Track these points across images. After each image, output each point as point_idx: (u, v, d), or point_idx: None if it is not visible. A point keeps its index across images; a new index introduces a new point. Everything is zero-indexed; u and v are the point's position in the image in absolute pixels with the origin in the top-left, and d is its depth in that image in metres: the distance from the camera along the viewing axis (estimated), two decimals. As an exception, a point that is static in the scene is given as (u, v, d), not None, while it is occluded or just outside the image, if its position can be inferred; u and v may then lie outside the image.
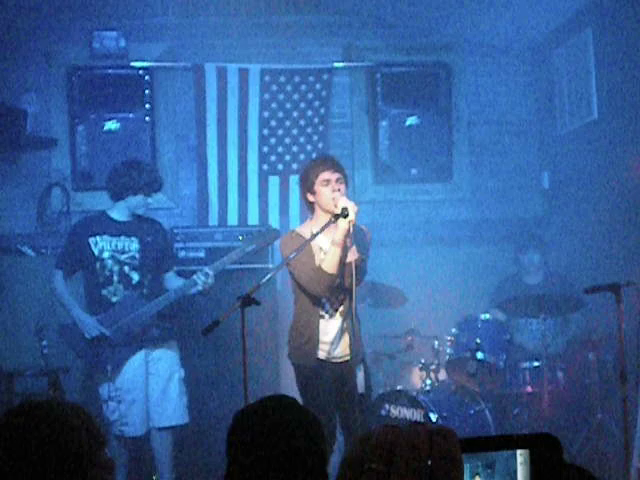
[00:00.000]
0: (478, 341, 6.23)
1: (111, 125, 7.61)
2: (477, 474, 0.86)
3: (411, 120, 8.04)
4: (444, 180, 8.02)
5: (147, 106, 7.64)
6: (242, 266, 6.40)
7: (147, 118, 7.64)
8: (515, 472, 0.87)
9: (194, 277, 5.78)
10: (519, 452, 0.87)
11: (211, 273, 5.76)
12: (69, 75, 7.51)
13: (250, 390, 4.56)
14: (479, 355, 6.22)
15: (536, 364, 6.42)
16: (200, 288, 5.79)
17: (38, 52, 7.39)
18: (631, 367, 5.14)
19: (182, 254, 6.69)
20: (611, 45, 6.76)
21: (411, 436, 0.80)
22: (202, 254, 6.58)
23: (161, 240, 6.06)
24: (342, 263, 4.93)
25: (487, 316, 6.49)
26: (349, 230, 4.80)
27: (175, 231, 6.81)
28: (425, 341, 6.63)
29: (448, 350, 6.48)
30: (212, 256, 6.34)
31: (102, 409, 5.69)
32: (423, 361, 6.47)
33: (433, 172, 8.03)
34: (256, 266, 6.44)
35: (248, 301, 4.54)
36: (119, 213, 5.95)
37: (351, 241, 4.90)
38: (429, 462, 0.79)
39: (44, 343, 6.04)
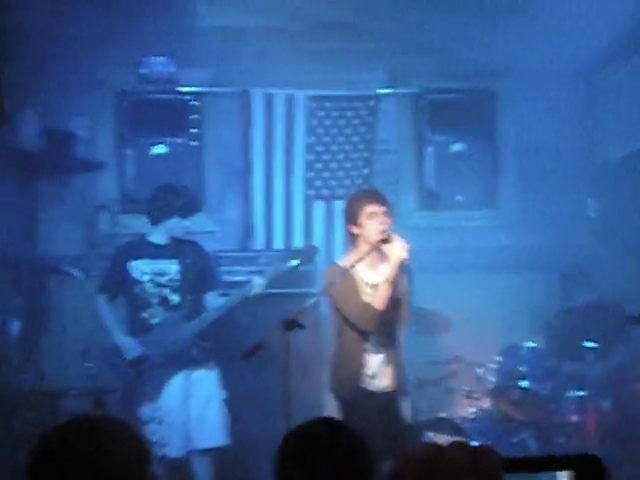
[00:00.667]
0: (522, 369, 6.18)
1: (158, 149, 7.70)
2: None
3: (457, 147, 8.04)
4: (489, 207, 8.00)
5: (194, 131, 7.72)
6: (286, 290, 6.41)
7: (194, 142, 7.72)
8: None
9: (234, 293, 5.83)
10: (562, 473, 0.86)
11: (259, 281, 5.82)
12: (118, 100, 7.62)
13: (292, 413, 4.55)
14: (523, 383, 6.17)
15: (581, 393, 6.33)
16: (257, 290, 5.84)
17: (88, 77, 7.48)
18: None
19: (226, 278, 6.71)
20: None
21: (453, 453, 0.80)
22: (245, 277, 6.59)
23: (201, 261, 6.10)
24: (391, 298, 4.93)
25: (532, 344, 6.43)
26: (400, 267, 4.81)
27: (219, 254, 6.84)
28: (469, 368, 6.59)
29: (492, 378, 6.43)
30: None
31: (143, 431, 5.71)
32: (467, 389, 6.43)
33: (478, 199, 8.02)
34: (300, 290, 6.44)
35: (292, 325, 4.55)
36: (158, 237, 6.02)
37: (401, 276, 4.90)
38: (470, 480, 0.79)
39: (90, 364, 6.08)
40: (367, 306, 4.91)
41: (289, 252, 6.11)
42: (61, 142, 7.06)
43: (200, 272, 6.05)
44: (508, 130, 7.97)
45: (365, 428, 4.94)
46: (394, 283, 4.86)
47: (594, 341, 6.45)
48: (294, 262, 5.83)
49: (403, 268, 4.95)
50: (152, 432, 5.71)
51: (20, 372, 6.81)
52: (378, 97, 7.77)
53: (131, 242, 6.21)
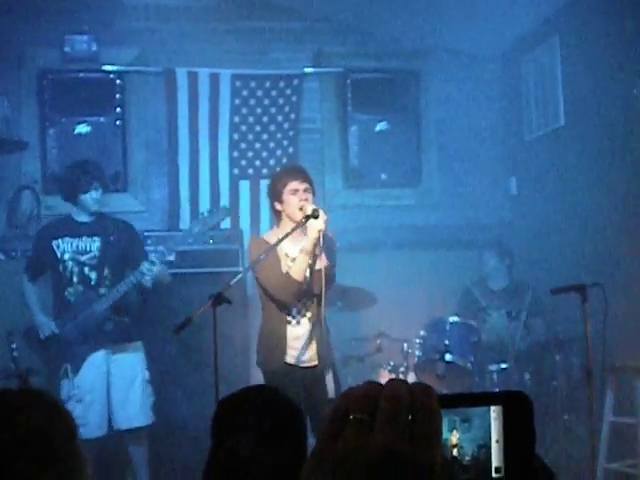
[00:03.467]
0: (447, 343, 6.29)
1: (82, 129, 7.61)
2: (454, 428, 0.91)
3: (380, 126, 8.12)
4: (413, 185, 8.10)
5: (118, 110, 7.65)
6: (212, 269, 6.43)
7: (118, 122, 7.65)
8: (489, 426, 0.92)
9: (140, 266, 5.79)
10: (493, 408, 0.92)
11: (156, 261, 5.77)
12: (40, 78, 7.50)
13: (221, 391, 4.58)
14: (447, 357, 6.27)
15: (504, 366, 6.48)
16: (148, 277, 5.79)
17: (9, 55, 7.37)
18: (597, 368, 5.23)
19: (152, 257, 6.67)
20: (578, 52, 6.86)
21: (393, 389, 0.84)
22: (172, 257, 6.57)
23: (126, 239, 6.07)
24: (311, 270, 4.99)
25: (455, 318, 6.54)
26: (319, 238, 4.86)
27: (146, 234, 6.80)
28: (394, 344, 6.67)
29: (417, 352, 6.52)
30: (183, 259, 6.35)
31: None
32: (392, 363, 6.51)
33: (402, 177, 8.11)
34: (226, 269, 6.45)
35: (220, 300, 4.57)
36: (79, 214, 6.00)
37: (320, 249, 4.95)
38: (410, 415, 0.83)
39: (13, 346, 6.02)
40: (285, 276, 4.98)
41: (197, 220, 6.05)
42: (-19, 122, 6.94)
43: (124, 250, 6.02)
44: (431, 109, 8.07)
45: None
46: (312, 254, 4.92)
47: (513, 315, 6.61)
48: (195, 229, 5.81)
49: (325, 240, 4.99)
50: (70, 410, 5.66)
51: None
52: (302, 76, 7.81)
53: (55, 220, 6.19)
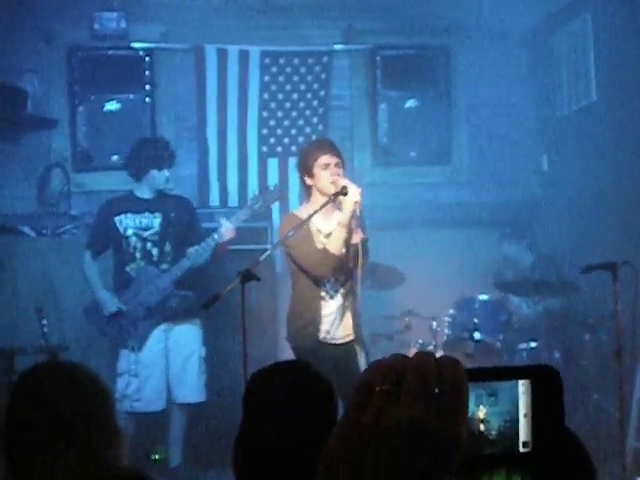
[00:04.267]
0: (476, 321, 6.28)
1: (111, 106, 7.64)
2: (481, 402, 0.90)
3: (410, 103, 8.08)
4: (443, 163, 8.07)
5: (147, 87, 7.67)
6: (241, 247, 6.43)
7: (147, 99, 7.67)
8: (517, 401, 0.91)
9: (206, 240, 5.84)
10: (521, 382, 0.91)
11: (222, 227, 5.82)
12: (69, 56, 7.53)
13: (249, 369, 4.59)
14: (476, 335, 6.27)
15: (533, 345, 6.46)
16: (208, 254, 5.84)
17: (38, 32, 7.40)
18: (627, 347, 5.19)
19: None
20: (609, 28, 6.79)
21: (420, 362, 0.83)
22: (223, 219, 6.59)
23: (186, 216, 6.11)
24: (347, 244, 4.98)
25: (485, 297, 6.53)
26: (355, 211, 4.84)
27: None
28: (423, 322, 6.68)
29: (446, 331, 6.53)
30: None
31: (116, 383, 5.73)
32: (421, 342, 6.52)
33: (432, 155, 8.08)
34: (255, 247, 6.45)
35: (248, 276, 4.58)
36: (142, 191, 6.03)
37: (357, 222, 4.94)
38: (437, 389, 0.83)
39: (44, 322, 6.06)
40: (321, 251, 4.96)
41: (260, 195, 6.08)
42: (12, 99, 6.97)
43: (184, 226, 6.05)
44: (461, 86, 8.02)
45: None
46: (349, 228, 4.90)
47: (546, 294, 6.58)
48: (256, 205, 5.85)
49: (358, 215, 4.98)
50: (126, 384, 5.75)
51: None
52: (331, 53, 7.78)
53: (117, 197, 6.18)
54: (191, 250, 5.97)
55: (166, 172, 5.98)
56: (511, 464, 0.91)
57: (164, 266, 5.95)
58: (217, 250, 5.91)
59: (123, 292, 5.91)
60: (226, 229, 5.83)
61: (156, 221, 5.98)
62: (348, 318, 5.16)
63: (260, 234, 6.70)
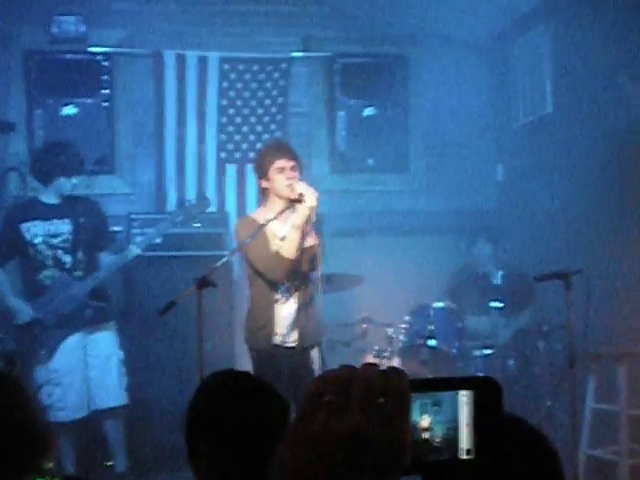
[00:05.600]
0: (431, 328, 6.32)
1: (69, 110, 7.59)
2: (425, 411, 0.93)
3: (368, 111, 8.12)
4: (400, 171, 8.11)
5: (105, 92, 7.62)
6: (198, 253, 6.43)
7: (105, 104, 7.63)
8: (459, 410, 0.94)
9: (125, 251, 5.82)
10: (463, 392, 0.94)
11: (135, 250, 5.83)
12: (27, 59, 7.47)
13: (205, 374, 4.59)
14: (431, 342, 6.31)
15: (487, 352, 6.52)
16: (129, 257, 5.84)
17: (-4, 36, 7.35)
18: (579, 355, 5.26)
19: (139, 239, 6.67)
20: (567, 39, 6.87)
21: (366, 373, 0.86)
22: (159, 240, 6.57)
23: (95, 219, 6.01)
24: (301, 248, 5.00)
25: (440, 304, 6.57)
26: (310, 215, 4.86)
27: (132, 217, 6.81)
28: (379, 329, 6.70)
29: (402, 338, 6.56)
30: (169, 242, 6.34)
31: (38, 394, 5.60)
32: (377, 348, 6.54)
33: (389, 163, 8.12)
34: (212, 253, 6.44)
35: (205, 283, 4.58)
36: (49, 197, 5.91)
37: (310, 226, 4.96)
38: (382, 399, 0.85)
39: (-2, 328, 6.01)
40: (275, 254, 4.97)
41: (181, 209, 6.09)
42: (-32, 101, 6.91)
43: (94, 230, 5.96)
44: (419, 95, 8.07)
45: (276, 380, 5.01)
46: (302, 232, 4.92)
47: (500, 301, 6.65)
48: (178, 219, 5.87)
49: (314, 219, 5.00)
50: (47, 395, 5.64)
51: None
52: (290, 60, 7.80)
53: (22, 203, 6.07)
54: (107, 261, 5.92)
55: (74, 179, 5.87)
56: (454, 470, 0.94)
57: (78, 273, 5.87)
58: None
59: (36, 300, 5.80)
60: (130, 253, 5.82)
61: (65, 227, 5.87)
62: (304, 323, 5.18)
63: (216, 240, 6.70)
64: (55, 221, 5.87)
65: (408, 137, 8.11)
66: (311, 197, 4.81)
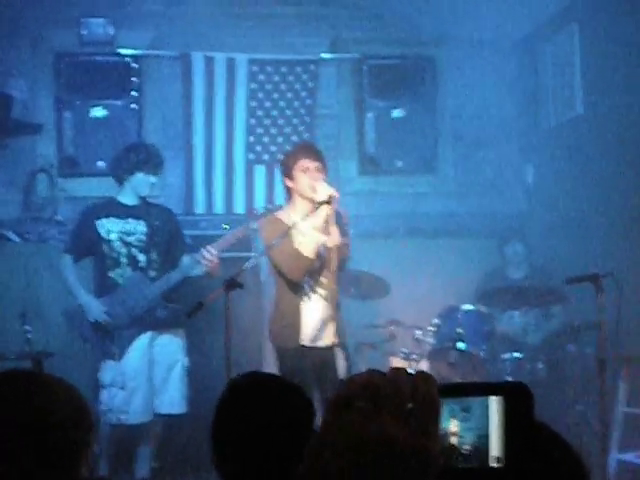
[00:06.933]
0: (459, 331, 6.28)
1: (97, 112, 7.61)
2: (454, 417, 0.90)
3: (397, 112, 8.08)
4: (429, 173, 8.07)
5: (134, 93, 7.64)
6: (225, 254, 6.42)
7: (134, 105, 7.65)
8: (489, 417, 0.91)
9: (196, 255, 5.75)
10: (493, 398, 0.92)
11: (213, 251, 5.71)
12: (56, 61, 7.51)
13: (232, 372, 4.57)
14: (460, 345, 6.27)
15: (517, 355, 6.47)
16: (203, 267, 5.75)
17: (25, 37, 7.39)
18: (610, 358, 5.20)
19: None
20: (597, 40, 6.81)
21: (395, 378, 0.84)
22: (188, 241, 6.58)
23: (170, 225, 6.05)
24: (324, 248, 5.00)
25: (469, 307, 6.53)
26: (329, 215, 4.87)
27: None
28: (407, 331, 6.68)
29: (430, 340, 6.52)
30: (197, 244, 6.34)
31: (101, 394, 5.64)
32: (405, 351, 6.51)
33: (418, 165, 8.07)
34: (240, 254, 6.44)
35: (232, 284, 4.58)
36: (126, 197, 5.96)
37: (332, 226, 4.96)
38: (410, 404, 0.83)
39: (27, 328, 6.03)
40: (296, 253, 4.98)
41: (251, 214, 6.07)
42: (-2, 104, 6.96)
43: (169, 235, 5.99)
44: (448, 96, 8.03)
45: (301, 379, 5.00)
46: (323, 232, 4.93)
47: (530, 304, 6.60)
48: (254, 225, 5.79)
49: (337, 218, 5.01)
50: (112, 397, 5.63)
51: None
52: (319, 62, 7.79)
53: (100, 202, 6.09)
54: (183, 262, 5.90)
55: (152, 178, 5.93)
56: (483, 478, 0.91)
57: (152, 273, 5.88)
58: (210, 272, 5.83)
59: (107, 298, 5.81)
60: (210, 256, 5.75)
61: (140, 228, 5.90)
62: (330, 323, 5.17)
63: (244, 242, 6.68)
64: (131, 220, 5.91)
65: (437, 139, 8.07)
66: (324, 194, 4.84)
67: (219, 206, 7.54)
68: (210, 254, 5.70)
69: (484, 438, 0.91)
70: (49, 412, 2.06)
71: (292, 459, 2.24)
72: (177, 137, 7.64)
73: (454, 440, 0.90)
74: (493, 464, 0.91)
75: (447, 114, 8.06)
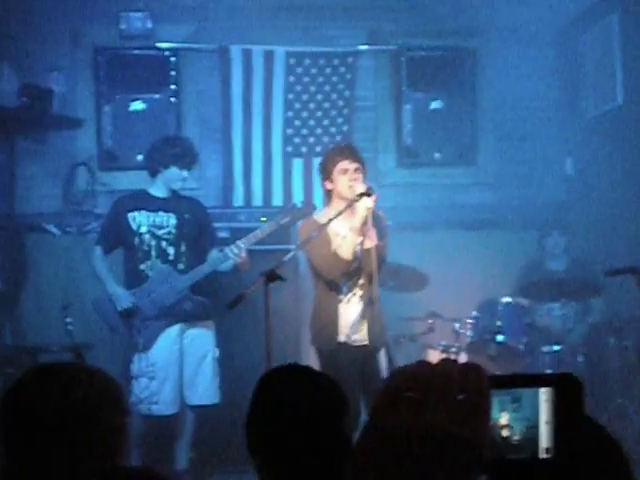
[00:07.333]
0: (499, 324, 6.26)
1: (137, 106, 7.66)
2: (504, 408, 0.90)
3: (435, 104, 8.04)
4: (467, 164, 8.03)
5: (173, 87, 7.67)
6: (264, 247, 6.43)
7: (172, 99, 7.68)
8: (539, 408, 0.91)
9: (225, 250, 5.79)
10: (543, 390, 0.91)
11: (242, 245, 5.74)
12: (95, 55, 7.56)
13: (272, 364, 4.58)
14: (499, 338, 6.24)
15: (556, 348, 6.42)
16: (232, 262, 5.77)
17: (65, 32, 7.44)
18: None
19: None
20: (637, 29, 6.74)
21: (445, 369, 0.84)
22: (226, 234, 6.60)
23: (200, 217, 6.07)
24: (361, 249, 5.00)
25: (508, 299, 6.50)
26: (367, 216, 4.87)
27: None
28: (446, 324, 6.66)
29: (469, 333, 6.51)
30: (236, 236, 6.35)
31: (132, 385, 5.68)
32: (444, 343, 6.50)
33: (456, 156, 8.03)
34: (278, 247, 6.44)
35: (272, 276, 4.58)
36: (157, 189, 5.99)
37: (370, 227, 4.96)
38: (461, 395, 0.83)
39: (69, 320, 6.09)
40: (333, 254, 4.99)
41: (285, 208, 6.10)
42: (38, 98, 7.00)
43: (198, 228, 6.02)
44: (487, 87, 7.98)
45: (342, 379, 4.99)
46: (361, 232, 4.93)
47: (570, 297, 6.56)
48: (282, 221, 5.83)
49: (375, 219, 5.01)
50: (142, 388, 5.67)
51: (0, 329, 6.83)
52: (357, 54, 7.77)
53: (131, 194, 6.14)
54: (212, 256, 5.94)
55: (185, 172, 5.96)
56: (534, 470, 0.91)
57: (180, 266, 5.91)
58: (238, 266, 5.87)
59: (137, 289, 5.86)
60: (240, 251, 5.78)
61: (170, 221, 5.93)
62: (370, 322, 5.17)
63: (282, 235, 6.69)
64: (161, 213, 5.95)
65: (475, 130, 8.02)
66: (368, 198, 4.83)
67: (257, 199, 7.55)
68: (239, 249, 5.73)
69: (534, 429, 0.91)
70: (89, 399, 2.12)
71: (324, 451, 2.26)
72: (215, 130, 7.66)
73: (504, 431, 0.90)
74: (543, 455, 0.91)
75: (486, 105, 8.00)
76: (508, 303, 6.48)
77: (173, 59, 7.67)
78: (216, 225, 6.43)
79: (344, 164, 5.12)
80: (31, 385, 2.16)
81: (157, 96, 7.70)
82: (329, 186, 5.22)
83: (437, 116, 8.01)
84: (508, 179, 7.94)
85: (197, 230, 6.01)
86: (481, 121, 8.01)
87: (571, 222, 7.64)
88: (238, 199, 7.53)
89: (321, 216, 5.25)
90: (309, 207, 5.98)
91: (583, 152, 7.76)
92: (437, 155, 8.03)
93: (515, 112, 7.93)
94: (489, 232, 7.76)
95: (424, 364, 0.86)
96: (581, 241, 7.50)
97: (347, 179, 5.09)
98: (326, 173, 5.22)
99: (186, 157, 5.97)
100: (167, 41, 7.57)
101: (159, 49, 7.61)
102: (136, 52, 7.64)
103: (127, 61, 7.63)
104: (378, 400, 0.85)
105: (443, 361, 0.86)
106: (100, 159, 7.55)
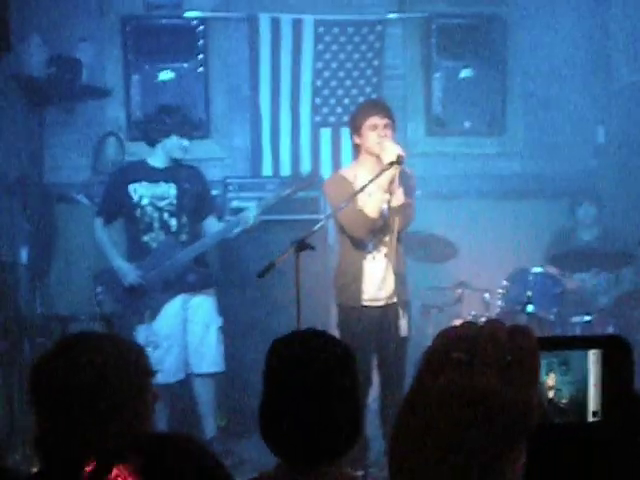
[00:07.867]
0: (529, 294, 6.22)
1: (165, 75, 7.65)
2: (552, 371, 0.89)
3: (465, 72, 7.97)
4: (497, 133, 7.97)
5: (200, 57, 7.65)
6: (293, 217, 6.43)
7: (200, 68, 7.66)
8: (588, 370, 0.90)
9: (232, 219, 5.86)
10: (592, 352, 0.90)
11: (252, 213, 5.84)
12: (123, 25, 7.55)
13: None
14: (529, 308, 6.21)
15: (587, 318, 6.39)
16: (236, 231, 5.87)
17: (92, 2, 7.44)
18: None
19: (234, 204, 6.71)
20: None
21: (492, 330, 0.82)
22: (254, 204, 6.60)
23: (199, 186, 6.09)
24: (388, 207, 4.99)
25: (539, 269, 6.47)
26: (395, 175, 4.86)
27: (228, 181, 6.85)
28: (475, 294, 6.64)
29: (499, 303, 6.48)
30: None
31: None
32: (473, 313, 6.48)
33: (486, 125, 7.98)
34: (307, 217, 6.44)
35: (303, 246, 4.58)
36: (157, 159, 6.01)
37: (397, 186, 4.95)
38: (509, 357, 0.82)
39: (99, 289, 6.13)
40: (359, 212, 4.98)
41: (292, 178, 6.12)
42: (67, 68, 7.02)
43: (198, 197, 6.05)
44: (517, 55, 7.90)
45: (361, 336, 5.02)
46: (389, 190, 4.92)
47: (602, 266, 6.51)
48: (284, 192, 5.88)
49: (403, 178, 4.99)
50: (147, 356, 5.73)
51: (30, 298, 6.88)
52: (386, 22, 7.72)
53: (129, 165, 6.22)
54: (215, 229, 6.01)
55: (186, 141, 5.96)
56: (581, 433, 0.90)
57: (183, 237, 5.95)
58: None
59: (140, 262, 5.91)
60: (252, 215, 5.84)
61: (171, 191, 5.96)
62: (392, 280, 5.16)
63: (311, 204, 6.68)
64: (161, 184, 5.98)
65: (505, 99, 7.95)
66: (392, 154, 4.81)
67: (286, 168, 7.54)
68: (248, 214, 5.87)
69: (582, 392, 0.90)
70: (111, 363, 2.20)
71: (331, 407, 2.31)
72: (244, 99, 7.65)
73: (552, 394, 0.89)
74: (591, 418, 0.90)
75: (516, 73, 7.93)
76: (539, 273, 6.44)
77: (201, 28, 7.64)
78: (244, 195, 6.44)
79: (374, 119, 5.08)
80: (59, 354, 2.22)
81: (185, 65, 7.69)
82: (357, 140, 5.20)
83: (467, 85, 7.95)
84: (538, 148, 7.88)
85: (195, 199, 6.04)
86: (511, 89, 7.94)
87: (602, 191, 7.57)
88: (267, 169, 7.52)
89: (348, 171, 5.26)
90: (313, 177, 6.01)
91: (614, 120, 7.69)
92: (466, 124, 7.97)
93: (546, 80, 7.85)
94: (519, 201, 7.71)
95: (470, 325, 0.84)
96: (612, 210, 7.44)
97: (376, 135, 5.05)
98: (355, 127, 5.18)
99: (185, 125, 5.99)
100: (195, 10, 7.55)
101: (187, 18, 7.58)
102: (164, 21, 7.63)
103: (155, 30, 7.62)
104: (423, 361, 0.84)
105: (491, 322, 0.84)
106: (129, 129, 7.56)
